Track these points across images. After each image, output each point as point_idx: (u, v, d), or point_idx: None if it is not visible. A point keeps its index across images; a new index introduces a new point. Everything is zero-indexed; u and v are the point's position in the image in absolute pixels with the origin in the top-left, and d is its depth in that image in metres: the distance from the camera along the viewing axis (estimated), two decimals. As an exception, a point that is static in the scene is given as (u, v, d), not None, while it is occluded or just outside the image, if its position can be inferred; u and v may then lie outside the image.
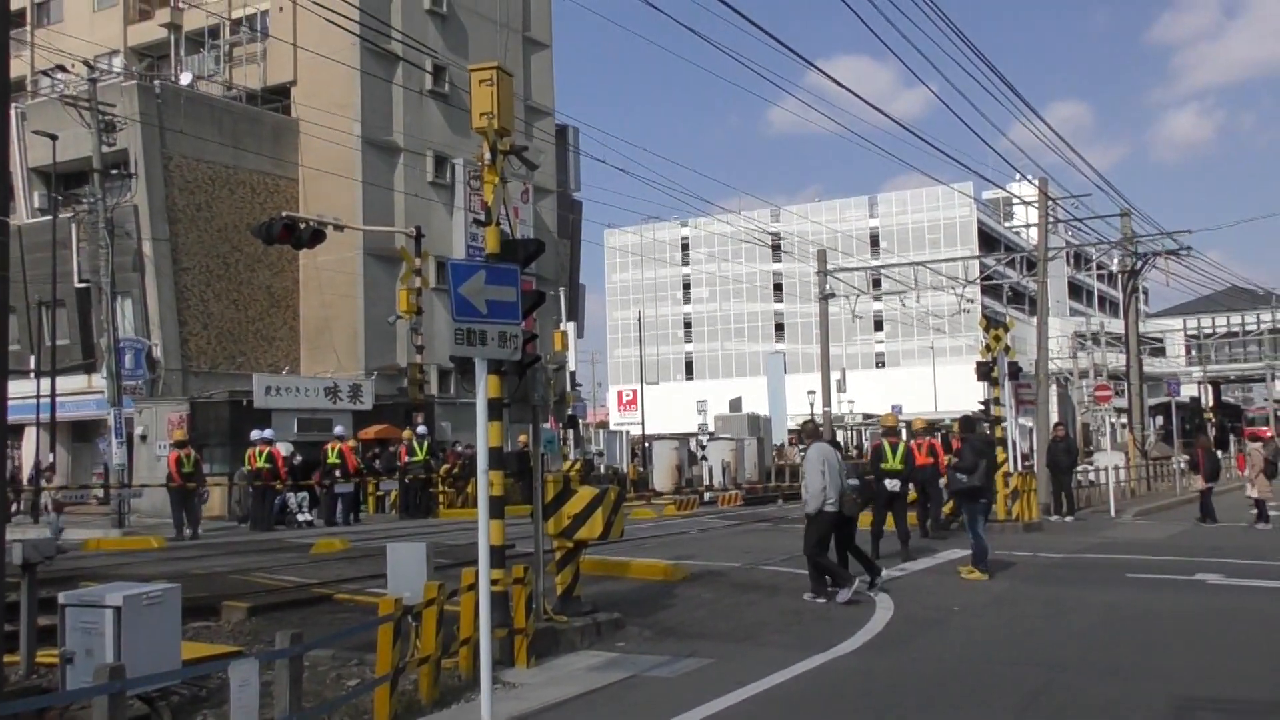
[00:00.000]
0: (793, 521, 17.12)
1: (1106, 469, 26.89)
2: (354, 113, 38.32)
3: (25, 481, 30.22)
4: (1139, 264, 35.68)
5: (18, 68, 40.94)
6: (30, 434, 33.45)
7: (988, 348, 22.59)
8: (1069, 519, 22.87)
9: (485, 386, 7.82)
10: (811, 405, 44.49)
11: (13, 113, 36.02)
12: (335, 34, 29.26)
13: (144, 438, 29.29)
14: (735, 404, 55.64)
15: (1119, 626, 10.60)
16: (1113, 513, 24.39)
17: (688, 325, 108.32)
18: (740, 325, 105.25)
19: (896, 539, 16.22)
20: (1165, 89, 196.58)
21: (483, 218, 9.57)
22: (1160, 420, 45.28)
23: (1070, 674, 8.50)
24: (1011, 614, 11.34)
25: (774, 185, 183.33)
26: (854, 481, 12.00)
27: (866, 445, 45.73)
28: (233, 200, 37.45)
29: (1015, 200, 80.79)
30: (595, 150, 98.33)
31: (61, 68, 30.12)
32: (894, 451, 16.74)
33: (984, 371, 22.58)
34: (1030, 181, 28.46)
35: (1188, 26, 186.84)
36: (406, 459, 26.33)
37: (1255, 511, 21.81)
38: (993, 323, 23.31)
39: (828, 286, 37.32)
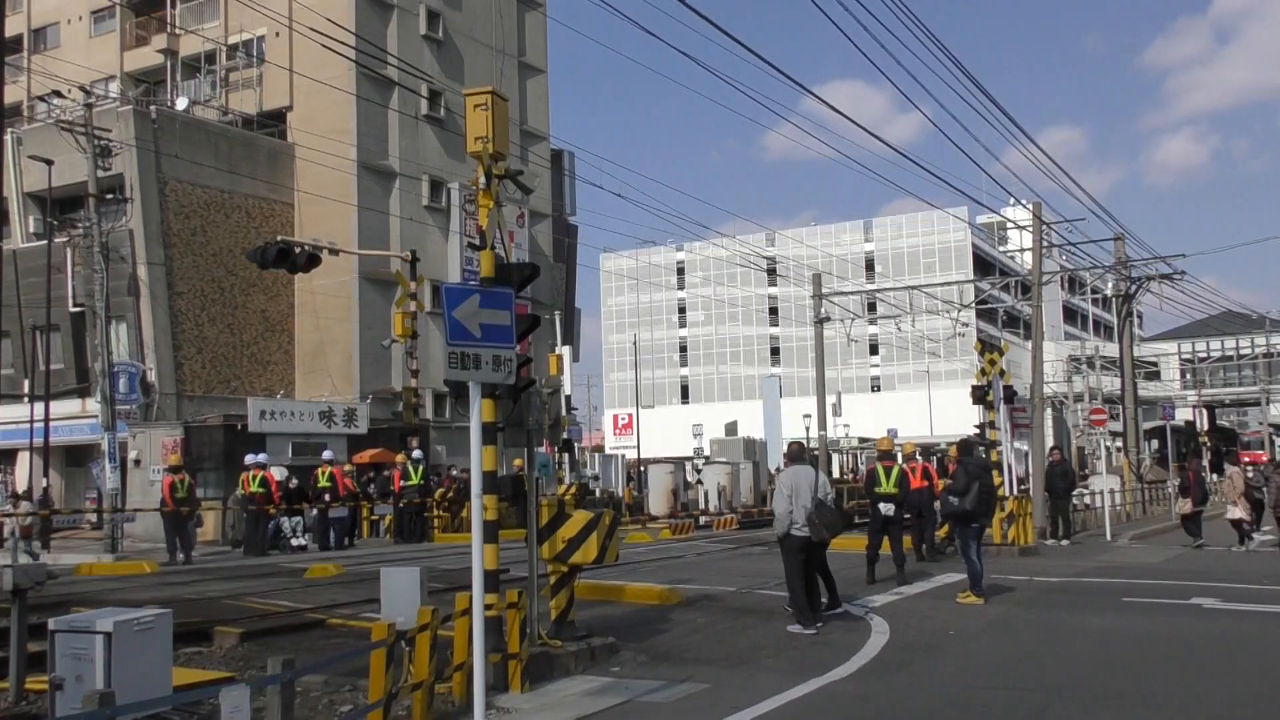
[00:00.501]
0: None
1: (1102, 493, 26.89)
2: (350, 137, 38.42)
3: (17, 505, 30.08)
4: (1133, 288, 35.80)
5: (14, 93, 41.14)
6: (23, 458, 33.34)
7: (983, 371, 22.61)
8: (1065, 543, 22.85)
9: (479, 410, 7.81)
10: (807, 429, 44.44)
11: (9, 138, 36.21)
12: (331, 59, 29.44)
13: (138, 462, 29.21)
14: (731, 428, 55.58)
15: (1115, 651, 10.56)
16: (1108, 536, 24.37)
17: (683, 349, 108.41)
18: (736, 349, 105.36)
19: (892, 563, 16.17)
20: (1159, 114, 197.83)
21: (478, 242, 9.58)
22: (1155, 444, 45.34)
23: (1067, 699, 8.46)
24: (1007, 639, 11.30)
25: (769, 209, 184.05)
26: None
27: (863, 469, 45.69)
28: (228, 225, 37.50)
29: (1010, 225, 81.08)
30: (591, 175, 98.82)
31: (58, 93, 30.24)
32: (888, 475, 16.69)
33: (979, 395, 22.59)
34: (1024, 206, 28.53)
35: (1181, 52, 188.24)
36: (401, 483, 26.26)
37: (1246, 532, 21.94)
38: (987, 346, 23.35)
39: (823, 310, 37.37)
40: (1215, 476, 41.73)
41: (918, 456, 19.80)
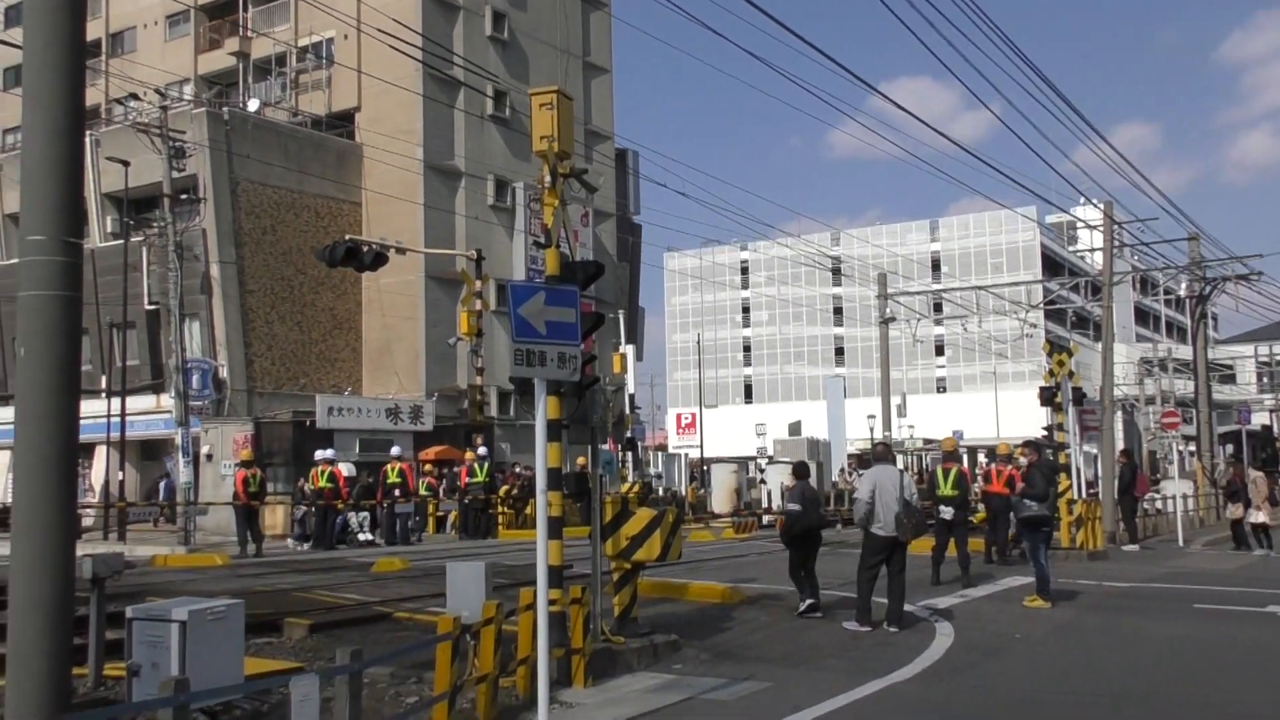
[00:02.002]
0: (851, 546, 16.96)
1: (1174, 497, 26.38)
2: (416, 138, 38.85)
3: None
4: (1207, 289, 35.07)
5: (93, 96, 42.06)
6: (100, 452, 34.16)
7: (1051, 373, 22.28)
8: (1135, 547, 22.46)
9: (544, 407, 7.86)
10: (872, 429, 44.15)
11: (87, 140, 36.98)
12: (399, 60, 29.78)
13: (210, 457, 29.77)
14: (794, 428, 55.33)
15: (1186, 658, 10.37)
16: (1180, 542, 23.91)
17: (747, 349, 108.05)
18: (800, 349, 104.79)
19: (957, 565, 16.01)
20: (1236, 109, 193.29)
21: (543, 240, 9.66)
22: (1230, 448, 44.28)
23: (1135, 706, 8.34)
24: (1074, 643, 11.14)
25: (834, 208, 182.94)
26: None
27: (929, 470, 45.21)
28: (298, 224, 38.09)
29: (1080, 224, 79.78)
30: (655, 174, 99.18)
31: (134, 96, 30.94)
32: (946, 477, 16.50)
33: (1047, 397, 22.27)
34: (1095, 205, 28.07)
35: (1259, 45, 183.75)
36: (467, 480, 26.51)
37: (1260, 538, 21.62)
38: (1056, 347, 22.99)
39: (888, 310, 37.09)
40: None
41: (1005, 461, 19.32)
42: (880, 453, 13.01)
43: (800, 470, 13.55)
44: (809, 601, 12.51)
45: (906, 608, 12.22)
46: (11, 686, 6.03)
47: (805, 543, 12.76)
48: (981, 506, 20.39)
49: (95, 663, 8.40)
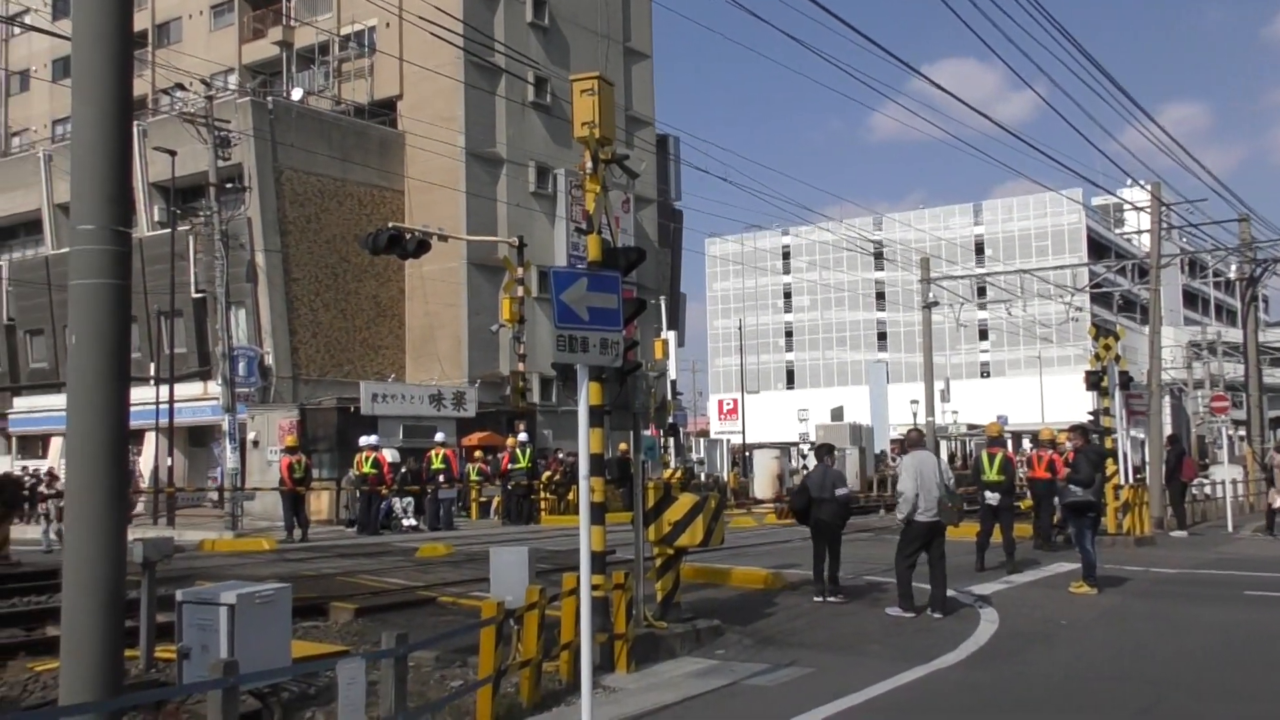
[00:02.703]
0: (894, 532, 16.89)
1: (1223, 483, 26.01)
2: (458, 125, 38.99)
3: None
4: (1258, 271, 34.48)
5: (140, 87, 42.53)
6: (150, 439, 34.66)
7: (1097, 357, 22.03)
8: (1183, 533, 22.21)
9: (587, 393, 7.88)
10: (915, 415, 43.88)
11: (134, 130, 37.43)
12: (440, 48, 29.85)
13: (256, 443, 30.11)
14: (837, 413, 55.16)
15: (1235, 646, 10.24)
16: (1230, 528, 23.59)
17: (789, 334, 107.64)
18: (842, 334, 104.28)
19: (1002, 550, 15.90)
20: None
21: (584, 226, 9.67)
22: (1281, 433, 43.62)
23: (1182, 693, 8.25)
24: (1121, 630, 11.04)
25: (877, 192, 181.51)
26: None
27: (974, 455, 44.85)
28: (341, 212, 38.37)
29: (1126, 206, 78.66)
30: (696, 159, 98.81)
31: (180, 86, 31.20)
32: (991, 462, 16.39)
33: (1093, 381, 22.01)
34: (1142, 186, 27.65)
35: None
36: (509, 466, 26.65)
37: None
38: (1102, 331, 22.69)
39: (931, 295, 36.78)
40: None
41: (1046, 446, 19.19)
42: (915, 439, 12.91)
43: (818, 452, 13.53)
44: (817, 599, 12.60)
45: (950, 593, 12.14)
46: (66, 668, 6.15)
47: (811, 524, 12.83)
48: (1027, 492, 20.30)
49: (146, 645, 8.54)
